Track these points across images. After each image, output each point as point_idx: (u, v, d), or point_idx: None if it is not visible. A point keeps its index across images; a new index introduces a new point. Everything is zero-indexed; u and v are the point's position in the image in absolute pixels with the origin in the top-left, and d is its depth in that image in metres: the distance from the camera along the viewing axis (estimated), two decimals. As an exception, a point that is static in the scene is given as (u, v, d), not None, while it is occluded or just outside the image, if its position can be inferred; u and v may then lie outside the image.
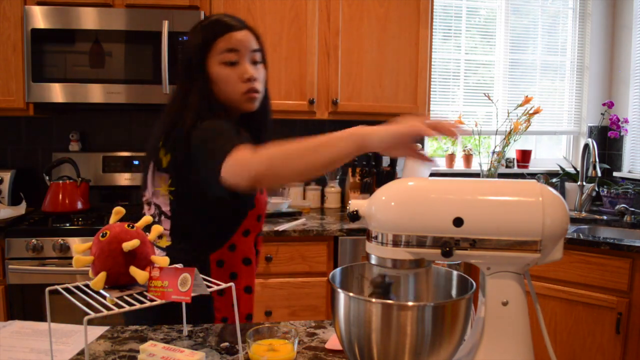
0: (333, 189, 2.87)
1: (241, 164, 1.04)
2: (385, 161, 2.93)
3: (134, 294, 0.90)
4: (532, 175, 3.11)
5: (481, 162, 3.02)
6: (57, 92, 2.34)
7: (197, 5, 2.44)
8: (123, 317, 1.38)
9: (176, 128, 1.21)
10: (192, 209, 1.28)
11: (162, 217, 1.31)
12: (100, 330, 1.16)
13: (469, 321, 0.87)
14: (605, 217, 2.67)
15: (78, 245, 0.92)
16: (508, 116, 2.98)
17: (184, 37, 2.36)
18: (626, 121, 3.08)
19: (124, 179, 2.70)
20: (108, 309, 0.82)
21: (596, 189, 2.93)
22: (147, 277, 0.89)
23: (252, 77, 1.29)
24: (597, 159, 2.53)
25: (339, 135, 1.01)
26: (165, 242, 1.31)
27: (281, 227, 2.28)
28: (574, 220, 2.68)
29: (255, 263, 1.41)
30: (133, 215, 1.22)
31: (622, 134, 3.11)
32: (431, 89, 2.74)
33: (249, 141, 1.12)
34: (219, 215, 1.30)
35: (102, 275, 0.88)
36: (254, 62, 1.32)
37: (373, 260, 0.86)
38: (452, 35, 3.13)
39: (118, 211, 1.00)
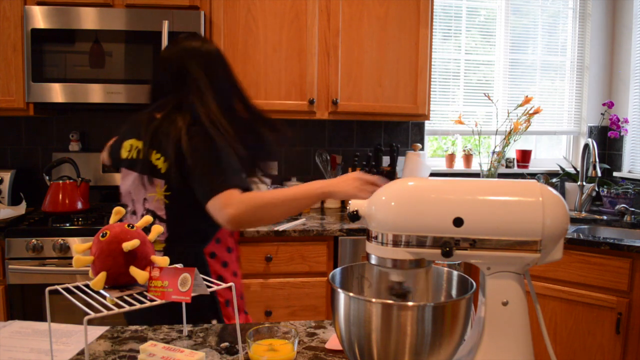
0: (333, 189, 2.86)
1: (225, 207, 1.21)
2: (385, 161, 2.93)
3: (134, 294, 0.90)
4: (532, 175, 3.11)
5: (481, 162, 3.02)
6: (57, 92, 2.34)
7: (197, 5, 2.44)
8: (124, 318, 1.41)
9: (173, 132, 1.30)
10: (188, 210, 1.34)
11: (157, 221, 1.37)
12: (100, 330, 1.16)
13: (469, 321, 0.87)
14: (605, 217, 2.67)
15: (78, 245, 0.92)
16: (508, 116, 2.98)
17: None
18: (626, 121, 3.08)
19: (124, 179, 2.69)
20: (108, 309, 0.82)
21: (596, 189, 2.93)
22: (147, 277, 0.89)
23: None
24: (597, 159, 2.53)
25: (310, 192, 1.27)
26: (159, 247, 1.37)
27: (281, 227, 2.29)
28: (574, 220, 2.68)
29: (235, 249, 1.53)
30: (133, 215, 1.23)
31: (622, 134, 3.11)
32: (431, 89, 2.74)
33: (241, 181, 1.28)
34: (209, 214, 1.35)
35: (102, 275, 0.88)
36: None
37: (373, 260, 0.86)
38: (452, 35, 3.13)
39: (118, 211, 1.00)
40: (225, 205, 1.22)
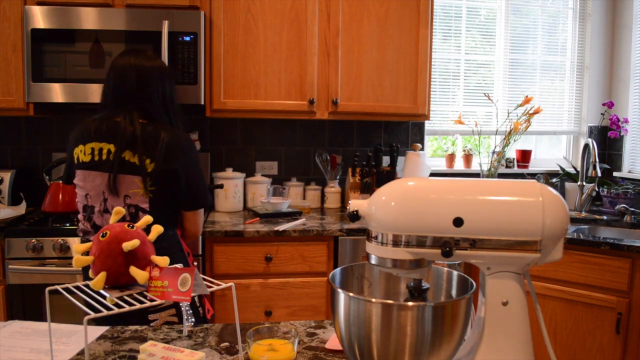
0: (333, 189, 2.87)
1: (197, 227, 1.73)
2: (385, 161, 2.93)
3: (134, 294, 0.90)
4: (532, 175, 3.11)
5: (481, 162, 3.02)
6: (57, 92, 2.34)
7: (197, 5, 2.44)
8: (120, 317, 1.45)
9: (161, 138, 1.55)
10: (168, 201, 1.60)
11: (140, 214, 1.56)
12: (100, 330, 1.16)
13: (469, 321, 0.87)
14: (605, 217, 2.67)
15: (78, 245, 0.92)
16: (508, 116, 2.98)
17: (185, 37, 2.36)
18: (626, 121, 3.08)
19: (124, 179, 2.69)
20: (108, 309, 0.82)
21: (596, 189, 2.92)
22: (147, 277, 0.89)
23: None
24: (597, 159, 2.53)
25: None
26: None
27: (281, 227, 2.29)
28: (574, 220, 2.68)
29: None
30: (133, 215, 1.22)
31: (622, 134, 3.11)
32: (431, 89, 2.74)
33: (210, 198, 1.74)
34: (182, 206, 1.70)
35: (102, 275, 0.88)
36: None
37: (373, 260, 0.86)
38: (452, 35, 3.13)
39: (118, 211, 1.00)
40: (201, 223, 1.74)
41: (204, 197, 1.67)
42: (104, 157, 1.55)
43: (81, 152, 1.59)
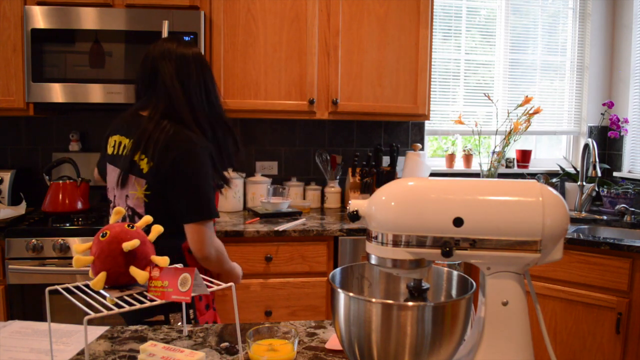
0: (333, 189, 2.87)
1: (205, 244, 1.43)
2: (385, 161, 2.93)
3: (134, 294, 0.90)
4: (532, 175, 3.11)
5: (481, 162, 3.02)
6: (57, 92, 2.34)
7: (197, 5, 2.44)
8: (122, 317, 1.44)
9: (162, 137, 1.39)
10: (166, 210, 1.43)
11: (136, 218, 1.45)
12: (100, 330, 1.16)
13: (469, 321, 0.87)
14: (605, 217, 2.67)
15: (78, 245, 0.92)
16: (508, 116, 2.98)
17: (184, 37, 2.36)
18: (626, 121, 3.08)
19: (124, 179, 2.69)
20: (108, 309, 0.82)
21: (596, 189, 2.92)
22: (147, 277, 0.89)
23: None
24: (597, 159, 2.53)
25: (238, 276, 1.63)
26: None
27: (281, 227, 2.29)
28: (574, 220, 2.68)
29: None
30: (133, 215, 1.22)
31: (622, 134, 3.11)
32: (431, 89, 2.74)
33: (216, 210, 1.45)
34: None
35: (102, 275, 0.88)
36: None
37: (373, 260, 0.86)
38: (452, 35, 3.13)
39: (118, 211, 1.00)
40: (206, 241, 1.43)
41: (201, 209, 1.42)
42: (121, 151, 1.48)
43: (109, 144, 1.55)
